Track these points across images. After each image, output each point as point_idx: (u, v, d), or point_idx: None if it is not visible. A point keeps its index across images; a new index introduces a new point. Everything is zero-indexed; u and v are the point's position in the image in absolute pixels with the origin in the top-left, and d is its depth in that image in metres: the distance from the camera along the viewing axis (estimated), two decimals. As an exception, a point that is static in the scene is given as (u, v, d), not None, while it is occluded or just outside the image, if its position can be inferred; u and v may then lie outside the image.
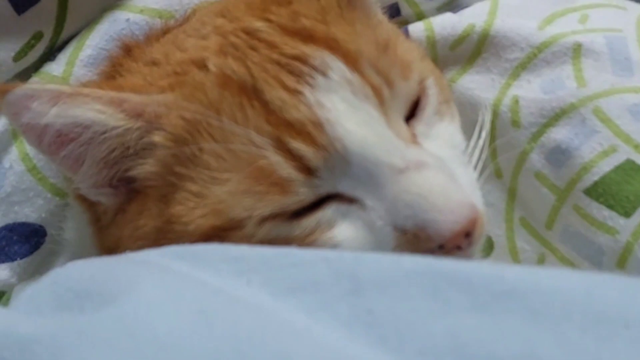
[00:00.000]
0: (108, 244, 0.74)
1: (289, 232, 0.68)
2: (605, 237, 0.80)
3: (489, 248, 0.89)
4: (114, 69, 0.79)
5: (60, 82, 0.82)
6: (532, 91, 0.85)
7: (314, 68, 0.69)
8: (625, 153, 0.80)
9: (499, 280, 0.52)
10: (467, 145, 0.81)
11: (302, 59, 0.69)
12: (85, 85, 0.77)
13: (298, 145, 0.66)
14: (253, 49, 0.71)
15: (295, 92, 0.68)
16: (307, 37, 0.71)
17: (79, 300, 0.57)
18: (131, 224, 0.71)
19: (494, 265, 0.55)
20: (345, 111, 0.68)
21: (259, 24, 0.72)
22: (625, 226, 0.79)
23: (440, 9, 0.93)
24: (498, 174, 0.88)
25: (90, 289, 0.58)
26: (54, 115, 0.66)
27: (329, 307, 0.53)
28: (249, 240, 0.67)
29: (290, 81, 0.68)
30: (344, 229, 0.69)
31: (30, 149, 0.82)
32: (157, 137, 0.69)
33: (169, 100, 0.69)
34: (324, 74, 0.69)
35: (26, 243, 0.83)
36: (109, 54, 0.82)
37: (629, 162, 0.80)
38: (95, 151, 0.69)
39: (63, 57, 0.83)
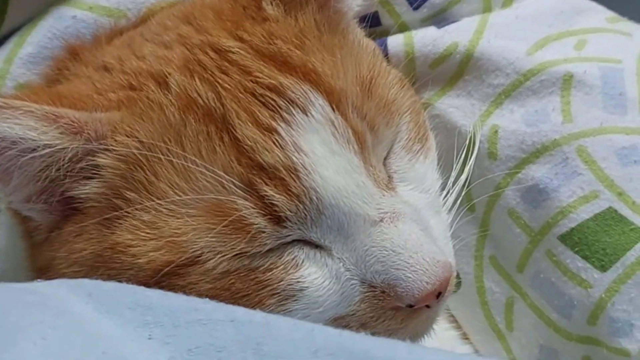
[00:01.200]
0: (40, 263, 0.69)
1: (251, 264, 0.63)
2: (577, 289, 0.74)
3: (456, 285, 0.83)
4: (59, 72, 0.73)
5: (-6, 81, 0.76)
6: (514, 122, 0.78)
7: (292, 102, 0.64)
8: (607, 200, 0.74)
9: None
10: (442, 181, 0.76)
11: (278, 91, 0.64)
12: (22, 91, 0.72)
13: (270, 193, 0.61)
14: (224, 72, 0.65)
15: (269, 130, 0.63)
16: (283, 63, 0.66)
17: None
18: (66, 246, 0.66)
19: (412, 350, 0.49)
20: (323, 156, 0.63)
21: (230, 43, 0.67)
22: (600, 281, 0.73)
23: (425, 21, 0.85)
24: (470, 207, 0.82)
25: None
26: None
27: (228, 377, 0.48)
28: (210, 274, 0.62)
29: (264, 116, 0.63)
30: (310, 273, 0.64)
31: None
32: (103, 159, 0.64)
33: (116, 119, 0.64)
34: (304, 110, 0.64)
35: None
36: (52, 54, 0.76)
37: (610, 211, 0.74)
38: (25, 168, 0.63)
39: (1, 54, 0.77)
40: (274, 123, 0.63)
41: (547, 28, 0.82)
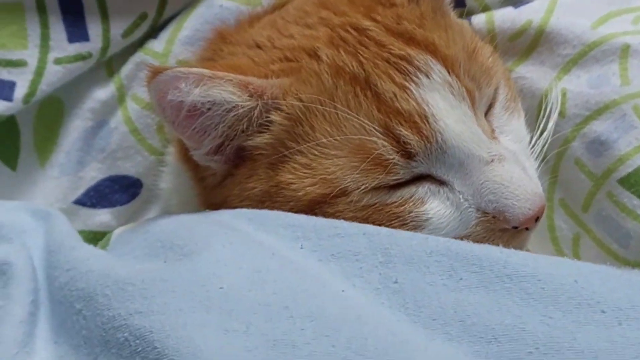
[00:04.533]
0: (214, 201, 0.85)
1: (387, 199, 0.79)
2: (633, 223, 0.88)
3: (530, 222, 0.99)
4: (213, 52, 0.89)
5: (160, 58, 0.95)
6: (580, 85, 0.93)
7: (418, 69, 0.79)
8: (659, 149, 0.88)
9: (504, 264, 0.63)
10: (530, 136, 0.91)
11: (407, 60, 0.80)
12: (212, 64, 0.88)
13: (405, 133, 0.77)
14: (363, 45, 0.81)
15: (403, 87, 0.78)
16: (410, 39, 0.81)
17: (164, 251, 0.71)
18: (239, 186, 0.83)
19: (503, 250, 0.65)
20: (445, 109, 0.78)
21: (367, 23, 0.82)
22: (653, 215, 0.88)
23: (504, 3, 1.01)
24: (543, 158, 0.97)
25: (173, 241, 0.72)
26: (197, 94, 0.76)
27: (363, 274, 0.66)
28: (354, 205, 0.78)
29: (398, 77, 0.79)
30: (434, 206, 0.79)
31: (133, 113, 0.96)
32: (275, 116, 0.80)
33: (286, 84, 0.80)
34: (427, 75, 0.79)
35: (125, 193, 0.99)
36: (204, 37, 0.93)
37: (662, 156, 0.88)
38: (221, 125, 0.79)
39: (164, 36, 0.96)
40: (406, 83, 0.79)
41: (607, 6, 0.97)
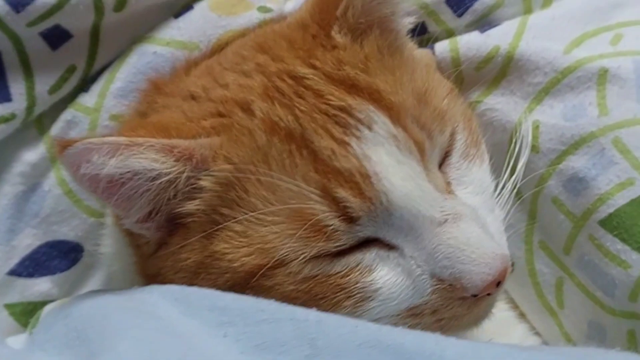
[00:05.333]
0: (149, 272, 0.79)
1: (330, 269, 0.71)
2: (617, 270, 0.80)
3: (509, 267, 0.91)
4: (148, 105, 0.82)
5: (92, 114, 0.87)
6: (554, 117, 0.84)
7: (359, 121, 0.72)
8: (642, 187, 0.80)
9: (438, 358, 0.55)
10: (495, 182, 0.82)
11: (347, 111, 0.72)
12: (128, 124, 0.82)
13: (345, 195, 0.69)
14: (300, 96, 0.73)
15: (343, 143, 0.71)
16: (352, 86, 0.74)
17: (79, 343, 0.65)
18: (173, 257, 0.76)
19: (439, 341, 0.58)
20: (390, 165, 0.71)
21: (304, 70, 0.75)
22: (638, 261, 0.79)
23: (470, 26, 0.92)
24: (519, 198, 0.88)
25: (87, 334, 0.65)
26: (113, 165, 0.69)
27: (289, 367, 0.59)
28: (294, 276, 0.71)
29: (337, 132, 0.71)
30: (384, 274, 0.72)
31: (66, 174, 0.88)
32: (205, 181, 0.72)
33: (217, 144, 0.72)
34: (369, 127, 0.71)
35: (65, 259, 0.91)
36: (138, 88, 0.86)
37: (646, 197, 0.80)
38: (147, 194, 0.72)
39: (95, 89, 0.88)
40: (346, 137, 0.71)
41: (583, 26, 0.87)
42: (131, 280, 0.80)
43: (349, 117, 0.71)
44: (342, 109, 0.72)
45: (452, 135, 0.77)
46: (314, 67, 0.75)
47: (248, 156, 0.72)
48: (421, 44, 0.93)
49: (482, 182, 0.79)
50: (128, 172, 0.69)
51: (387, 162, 0.70)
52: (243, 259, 0.71)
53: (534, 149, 0.85)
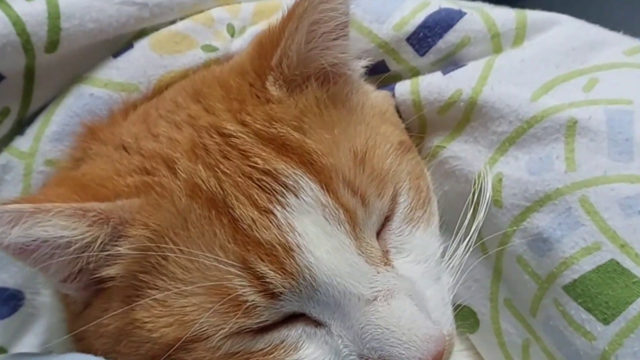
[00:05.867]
0: (77, 334, 0.74)
1: (252, 346, 0.67)
2: (582, 340, 0.73)
3: (475, 324, 0.84)
4: (83, 152, 0.78)
5: (27, 159, 0.82)
6: (518, 170, 0.77)
7: (285, 186, 0.67)
8: (609, 252, 0.72)
9: None
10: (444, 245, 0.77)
11: (273, 176, 0.67)
12: (54, 175, 0.79)
13: (265, 270, 0.65)
14: (225, 156, 0.69)
15: (266, 211, 0.66)
16: (282, 147, 0.69)
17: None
18: (95, 321, 0.71)
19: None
20: (316, 237, 0.66)
21: (233, 128, 0.70)
22: (603, 333, 0.72)
23: (436, 64, 0.85)
24: (484, 250, 0.82)
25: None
26: (16, 235, 0.65)
27: None
28: (214, 352, 0.67)
29: (261, 199, 0.67)
30: (310, 352, 0.68)
31: None
32: (122, 247, 0.68)
33: (135, 207, 0.68)
34: (296, 194, 0.67)
35: (5, 305, 0.86)
36: (74, 132, 0.81)
37: (612, 263, 0.72)
38: (60, 259, 0.68)
39: (30, 132, 0.83)
40: (270, 205, 0.66)
41: (554, 69, 0.80)
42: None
43: (274, 182, 0.66)
44: (267, 172, 0.67)
45: (394, 198, 0.71)
46: (243, 123, 0.70)
47: (167, 221, 0.67)
48: (386, 84, 0.87)
49: (427, 248, 0.74)
50: (34, 240, 0.65)
51: (312, 233, 0.65)
52: (162, 329, 0.67)
53: (497, 203, 0.78)
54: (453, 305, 0.84)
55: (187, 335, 0.66)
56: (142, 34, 0.84)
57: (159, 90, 0.82)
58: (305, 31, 0.69)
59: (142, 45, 0.83)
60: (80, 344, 0.72)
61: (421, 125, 0.84)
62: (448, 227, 0.81)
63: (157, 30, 0.84)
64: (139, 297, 0.68)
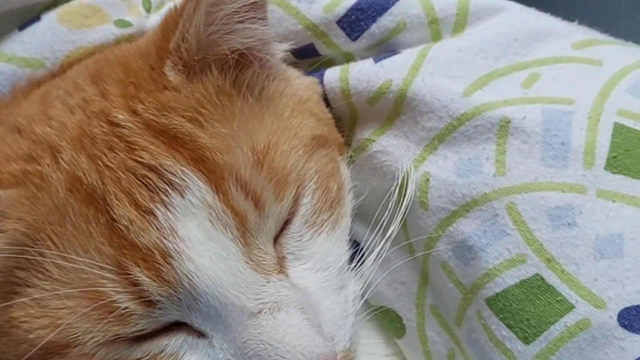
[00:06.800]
0: None
1: (128, 355, 0.63)
2: (502, 357, 0.68)
3: (401, 329, 0.78)
4: None
5: None
6: (446, 170, 0.71)
7: (170, 184, 0.61)
8: (534, 266, 0.67)
9: None
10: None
11: (158, 172, 0.62)
12: None
13: (140, 277, 0.60)
14: (110, 148, 0.63)
15: (146, 212, 0.61)
16: (172, 139, 0.63)
17: None
18: None
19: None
20: (199, 242, 0.61)
21: (122, 117, 0.64)
22: (523, 353, 0.67)
23: (370, 50, 0.78)
24: (412, 252, 0.76)
25: None
26: None
27: None
28: (88, 358, 0.62)
29: (143, 198, 0.61)
30: None
31: None
32: None
33: (10, 199, 0.63)
34: (181, 193, 0.61)
35: None
36: None
37: (537, 279, 0.67)
38: None
39: None
40: (151, 205, 0.61)
41: (493, 62, 0.73)
42: None
43: (159, 180, 0.61)
44: (152, 168, 0.61)
45: (296, 199, 0.66)
46: (135, 112, 0.64)
47: (44, 216, 0.62)
48: (317, 69, 0.80)
49: (328, 255, 0.68)
50: None
51: (195, 238, 0.60)
52: (38, 331, 0.62)
53: (423, 205, 0.72)
54: (379, 308, 0.80)
55: (60, 339, 0.61)
56: (53, 5, 0.77)
57: (68, 66, 0.75)
58: (204, 13, 0.63)
59: (49, 18, 0.76)
60: None
61: (352, 116, 0.78)
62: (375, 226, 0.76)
63: (68, 2, 0.78)
64: (17, 294, 0.63)
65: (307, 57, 0.80)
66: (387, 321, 0.80)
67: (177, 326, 0.62)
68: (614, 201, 0.66)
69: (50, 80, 0.74)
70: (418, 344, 0.79)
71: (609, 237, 0.65)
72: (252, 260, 0.62)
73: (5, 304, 0.64)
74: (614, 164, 0.68)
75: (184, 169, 0.61)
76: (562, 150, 0.68)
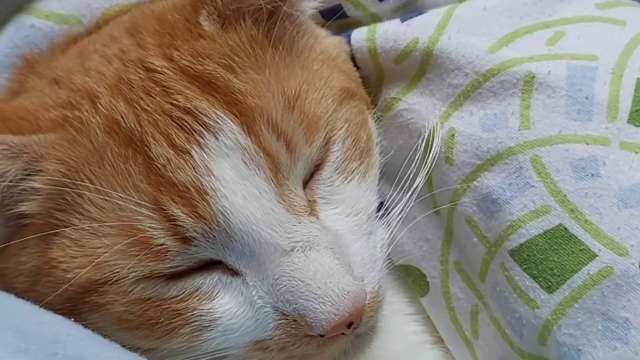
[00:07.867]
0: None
1: (165, 292, 0.65)
2: (525, 308, 0.70)
3: (424, 287, 0.80)
4: (20, 85, 0.75)
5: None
6: (471, 125, 0.73)
7: (205, 126, 0.64)
8: (557, 217, 0.68)
9: None
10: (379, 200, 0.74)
11: (193, 115, 0.64)
12: None
13: (177, 213, 0.62)
14: (147, 92, 0.66)
15: (182, 152, 0.63)
16: (207, 84, 0.65)
17: None
18: (14, 258, 0.69)
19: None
20: (233, 181, 0.63)
21: (159, 63, 0.67)
22: (547, 302, 0.68)
23: (397, 11, 0.80)
24: (435, 206, 0.77)
25: None
26: None
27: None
28: (126, 296, 0.64)
29: (179, 139, 0.64)
30: (224, 302, 0.65)
31: None
32: (36, 182, 0.66)
33: (50, 142, 0.65)
34: (215, 135, 0.63)
35: None
36: (13, 64, 0.77)
37: (560, 229, 0.68)
38: None
39: None
40: (187, 145, 0.63)
41: (518, 20, 0.75)
42: None
43: (194, 122, 0.63)
44: (188, 111, 0.63)
45: (327, 145, 0.67)
46: (170, 58, 0.66)
47: (83, 157, 0.64)
48: (345, 30, 0.82)
49: (359, 201, 0.70)
50: None
51: (229, 177, 0.62)
52: (76, 270, 0.64)
53: (448, 160, 0.74)
54: (404, 265, 0.81)
55: (99, 277, 0.63)
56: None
57: (104, 24, 0.78)
58: None
59: (86, -24, 0.79)
60: (2, 281, 0.70)
61: (378, 76, 0.80)
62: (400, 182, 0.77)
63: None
64: (56, 235, 0.65)
65: (335, 18, 0.81)
66: (412, 279, 0.81)
67: (212, 265, 0.64)
68: (636, 152, 0.68)
69: (86, 37, 0.77)
70: (442, 301, 0.80)
71: (632, 187, 0.67)
72: (284, 201, 0.64)
73: (45, 245, 0.66)
74: (637, 117, 0.69)
75: (218, 111, 0.63)
76: (586, 104, 0.70)
